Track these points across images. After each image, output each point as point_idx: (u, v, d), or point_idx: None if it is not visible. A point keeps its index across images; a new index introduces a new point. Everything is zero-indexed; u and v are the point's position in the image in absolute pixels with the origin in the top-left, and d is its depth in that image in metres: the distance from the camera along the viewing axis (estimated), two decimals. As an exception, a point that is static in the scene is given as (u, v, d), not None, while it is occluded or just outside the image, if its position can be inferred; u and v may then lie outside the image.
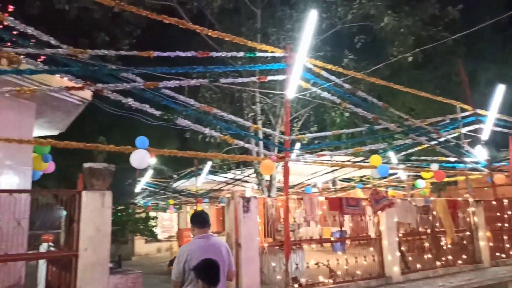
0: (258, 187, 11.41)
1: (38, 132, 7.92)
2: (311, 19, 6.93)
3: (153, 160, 15.24)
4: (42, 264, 7.59)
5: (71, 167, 11.24)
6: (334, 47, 11.85)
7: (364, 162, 9.76)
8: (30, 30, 5.07)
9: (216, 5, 11.34)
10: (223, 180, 14.97)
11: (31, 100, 6.22)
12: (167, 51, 6.08)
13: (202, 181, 15.19)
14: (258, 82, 9.21)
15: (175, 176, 17.69)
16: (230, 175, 14.96)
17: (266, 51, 7.29)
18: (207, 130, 6.76)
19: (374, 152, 9.06)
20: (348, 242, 8.48)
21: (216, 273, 3.01)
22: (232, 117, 7.17)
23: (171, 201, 18.42)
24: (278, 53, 7.24)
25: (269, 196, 10.43)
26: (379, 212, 7.71)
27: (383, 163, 8.29)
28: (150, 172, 16.63)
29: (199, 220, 3.62)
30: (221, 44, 11.07)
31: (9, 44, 5.41)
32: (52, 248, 8.15)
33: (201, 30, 6.74)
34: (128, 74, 6.02)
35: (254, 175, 12.21)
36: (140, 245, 18.17)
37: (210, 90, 11.96)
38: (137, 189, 17.16)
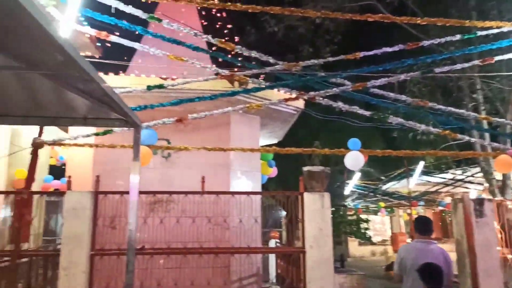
0: (489, 188, 9.75)
1: (261, 142, 9.08)
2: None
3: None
4: (272, 259, 8.59)
5: (286, 171, 12.41)
6: None
7: None
8: (253, 54, 5.83)
9: (420, -10, 10.51)
10: (440, 181, 13.58)
11: (256, 114, 7.20)
12: (366, 51, 5.94)
13: (414, 182, 14.19)
14: (479, 66, 7.91)
15: (383, 178, 17.14)
16: (448, 175, 13.45)
17: (489, 28, 6.18)
18: (423, 126, 6.21)
19: None
20: None
21: (437, 277, 3.03)
22: (452, 109, 6.36)
23: (382, 204, 17.92)
24: (508, 26, 6.03)
25: (504, 198, 8.76)
26: None
27: None
28: (357, 175, 16.64)
29: (421, 227, 3.75)
30: (426, 33, 10.12)
31: (236, 69, 6.41)
32: (278, 244, 9.12)
33: (408, 20, 6.27)
34: (336, 79, 6.19)
35: (480, 174, 10.57)
36: (354, 247, 18.33)
37: (418, 84, 11.06)
38: (346, 191, 17.45)
